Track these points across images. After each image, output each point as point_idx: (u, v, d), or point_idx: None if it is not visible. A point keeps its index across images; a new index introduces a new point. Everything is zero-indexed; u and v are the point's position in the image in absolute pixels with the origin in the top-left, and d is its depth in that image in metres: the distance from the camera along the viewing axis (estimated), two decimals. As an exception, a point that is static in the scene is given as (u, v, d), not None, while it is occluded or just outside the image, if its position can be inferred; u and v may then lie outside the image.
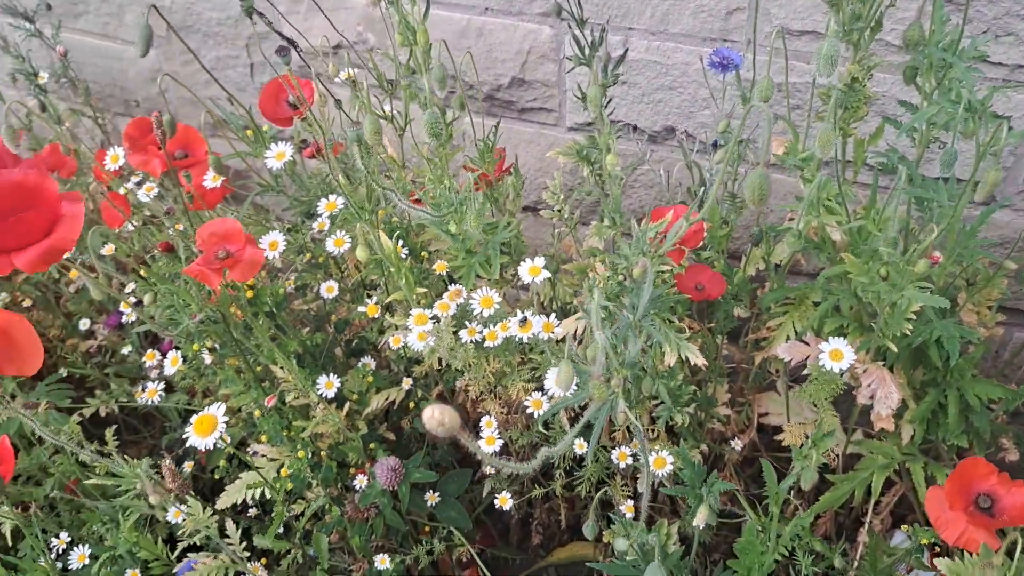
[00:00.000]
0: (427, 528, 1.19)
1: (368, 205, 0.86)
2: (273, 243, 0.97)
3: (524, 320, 0.86)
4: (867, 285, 0.91)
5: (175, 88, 1.76)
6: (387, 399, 1.15)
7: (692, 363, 0.85)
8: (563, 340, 0.93)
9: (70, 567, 1.14)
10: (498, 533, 1.38)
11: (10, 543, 1.16)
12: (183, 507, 0.89)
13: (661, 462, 0.91)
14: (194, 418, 0.81)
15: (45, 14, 1.65)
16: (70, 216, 0.69)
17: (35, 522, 1.11)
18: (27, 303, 1.45)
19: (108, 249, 1.14)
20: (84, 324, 1.45)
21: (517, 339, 0.90)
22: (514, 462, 1.17)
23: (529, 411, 0.95)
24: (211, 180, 0.99)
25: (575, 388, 0.76)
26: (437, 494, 1.14)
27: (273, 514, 1.22)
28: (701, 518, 0.78)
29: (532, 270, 0.87)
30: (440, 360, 0.96)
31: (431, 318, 0.90)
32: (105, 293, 1.00)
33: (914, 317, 0.91)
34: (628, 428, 1.06)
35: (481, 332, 0.91)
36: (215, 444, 0.80)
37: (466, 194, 0.83)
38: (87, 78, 1.78)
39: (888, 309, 0.92)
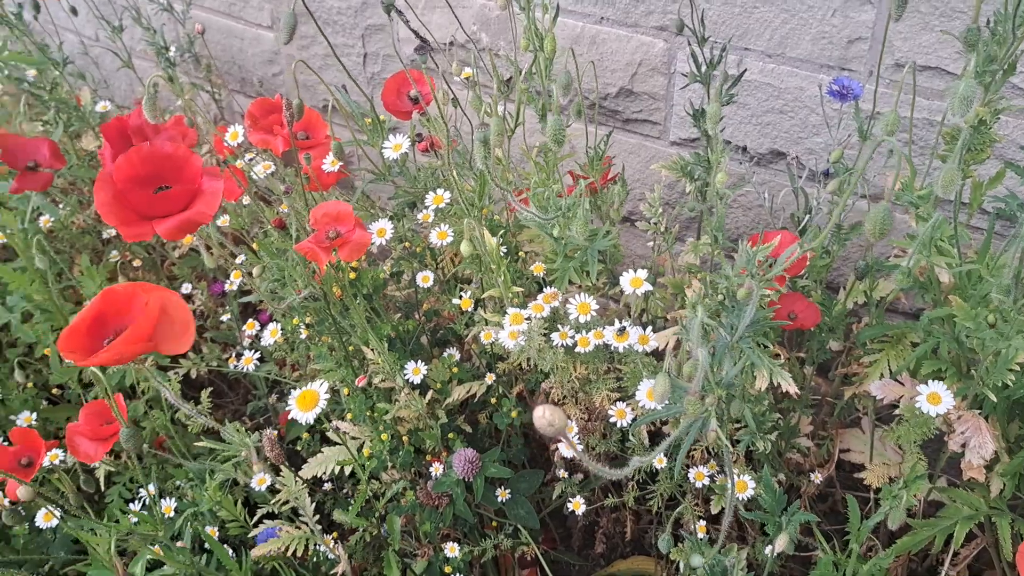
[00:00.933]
0: (494, 523, 1.21)
1: (479, 202, 0.88)
2: (381, 230, 1.00)
3: (623, 330, 0.87)
4: (973, 330, 0.89)
5: (289, 70, 1.82)
6: (468, 392, 1.18)
7: (780, 391, 0.85)
8: (653, 353, 0.94)
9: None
10: (559, 537, 1.39)
11: (102, 487, 1.23)
12: (276, 476, 0.92)
13: (743, 486, 0.90)
14: (296, 392, 0.84)
15: (178, -10, 1.73)
16: (210, 191, 0.73)
17: (139, 470, 1.17)
18: (137, 263, 1.53)
19: (223, 221, 1.20)
20: (185, 288, 1.52)
21: (610, 348, 0.91)
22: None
23: (612, 420, 0.96)
24: (329, 164, 1.03)
25: (666, 402, 0.76)
26: (508, 491, 1.15)
27: (354, 491, 1.26)
28: (781, 544, 0.78)
29: (634, 281, 0.88)
30: (525, 360, 0.97)
31: (525, 318, 0.91)
32: (217, 262, 1.05)
33: (1018, 368, 0.88)
34: (707, 449, 1.05)
35: (573, 337, 0.92)
36: (315, 419, 0.83)
37: (575, 199, 0.85)
38: (208, 55, 1.86)
39: (992, 357, 0.90)
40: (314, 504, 1.13)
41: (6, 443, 1.30)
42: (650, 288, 0.88)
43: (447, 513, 1.16)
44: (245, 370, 1.17)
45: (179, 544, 1.06)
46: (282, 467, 0.89)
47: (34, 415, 1.29)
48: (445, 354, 1.17)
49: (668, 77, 1.33)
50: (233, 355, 1.42)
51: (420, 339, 1.23)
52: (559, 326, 0.94)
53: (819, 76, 1.20)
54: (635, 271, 0.89)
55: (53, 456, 1.05)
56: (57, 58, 1.51)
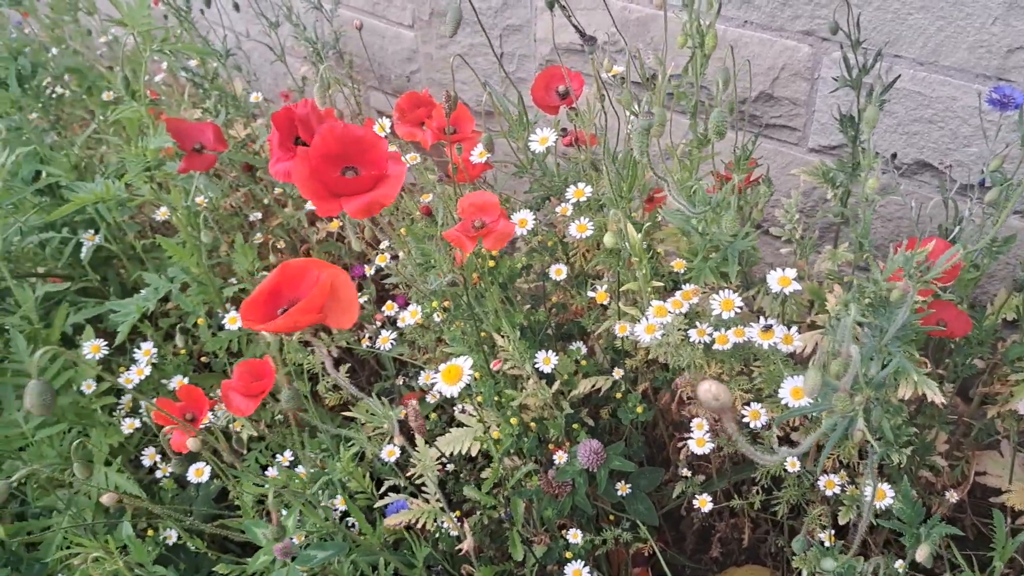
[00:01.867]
0: (611, 517, 1.22)
1: (627, 194, 0.90)
2: (523, 220, 1.04)
3: (768, 327, 0.87)
4: None
5: (426, 68, 1.89)
6: (593, 386, 1.20)
7: (916, 408, 0.83)
8: (790, 356, 0.93)
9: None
10: (671, 540, 1.39)
11: (246, 450, 1.31)
12: (412, 449, 0.97)
13: (882, 494, 0.89)
14: (443, 366, 0.88)
15: (328, -11, 1.82)
16: (394, 176, 0.77)
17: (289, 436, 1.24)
18: (280, 244, 1.62)
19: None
20: (322, 271, 1.60)
21: (746, 347, 0.91)
22: (713, 469, 1.18)
23: (744, 420, 0.96)
24: (477, 156, 1.07)
25: (811, 400, 0.76)
26: (628, 486, 1.17)
27: (471, 473, 1.31)
28: (922, 555, 0.76)
29: (782, 280, 0.88)
30: (662, 355, 0.98)
31: (668, 312, 0.92)
32: (363, 246, 1.11)
33: None
34: (838, 459, 1.04)
35: (711, 334, 0.93)
36: (459, 392, 0.87)
37: (725, 195, 0.86)
38: (350, 51, 1.95)
39: None
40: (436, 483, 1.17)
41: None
42: (798, 288, 0.88)
43: (566, 502, 1.18)
44: (382, 349, 1.23)
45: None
46: (419, 440, 0.94)
47: (185, 379, 1.39)
48: (573, 347, 1.19)
49: (811, 83, 1.32)
50: (365, 336, 1.49)
51: (547, 331, 1.26)
52: (697, 323, 0.95)
53: (974, 86, 1.16)
54: (782, 270, 0.89)
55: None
56: (220, 50, 1.62)
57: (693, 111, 1.08)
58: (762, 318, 0.90)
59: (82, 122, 1.98)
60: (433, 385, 1.26)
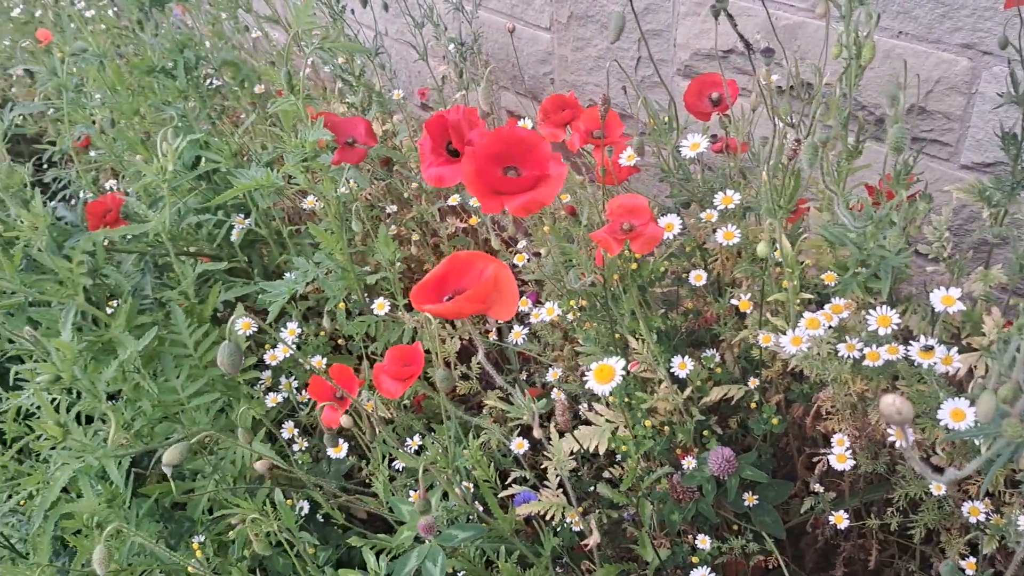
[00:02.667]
0: (735, 527, 1.22)
1: (787, 204, 0.90)
2: (670, 225, 1.05)
3: (929, 347, 0.86)
4: None
5: (560, 70, 1.92)
6: (724, 394, 1.20)
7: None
8: (945, 376, 0.91)
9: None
10: (791, 556, 1.38)
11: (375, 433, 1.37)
12: (547, 443, 1.00)
13: (1038, 526, 0.86)
14: (595, 365, 0.91)
15: (471, -9, 1.88)
16: (555, 176, 0.81)
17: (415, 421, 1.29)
18: (415, 237, 1.68)
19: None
20: (453, 265, 1.66)
21: (895, 365, 0.90)
22: (846, 487, 1.16)
23: (891, 440, 0.94)
24: (626, 159, 1.09)
25: (973, 424, 0.75)
26: (756, 496, 1.16)
27: (590, 471, 1.33)
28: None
29: (946, 299, 0.86)
30: (809, 368, 0.98)
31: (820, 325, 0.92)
32: (500, 244, 1.15)
33: None
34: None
35: (861, 350, 0.92)
36: (610, 390, 0.89)
37: (889, 210, 0.85)
38: (486, 52, 2.00)
39: None
40: (557, 478, 1.20)
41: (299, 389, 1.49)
42: (961, 307, 0.86)
43: (691, 508, 1.19)
44: (513, 343, 1.26)
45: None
46: (555, 434, 0.96)
47: (324, 360, 1.46)
48: (707, 353, 1.19)
49: (967, 97, 1.27)
50: (493, 330, 1.53)
51: (681, 336, 1.26)
52: (846, 338, 0.94)
53: None
54: (945, 289, 0.88)
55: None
56: (370, 48, 1.69)
57: (844, 123, 1.07)
58: (923, 337, 0.88)
59: (233, 112, 2.10)
60: (559, 381, 1.29)
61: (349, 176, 1.44)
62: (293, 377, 1.52)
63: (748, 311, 1.11)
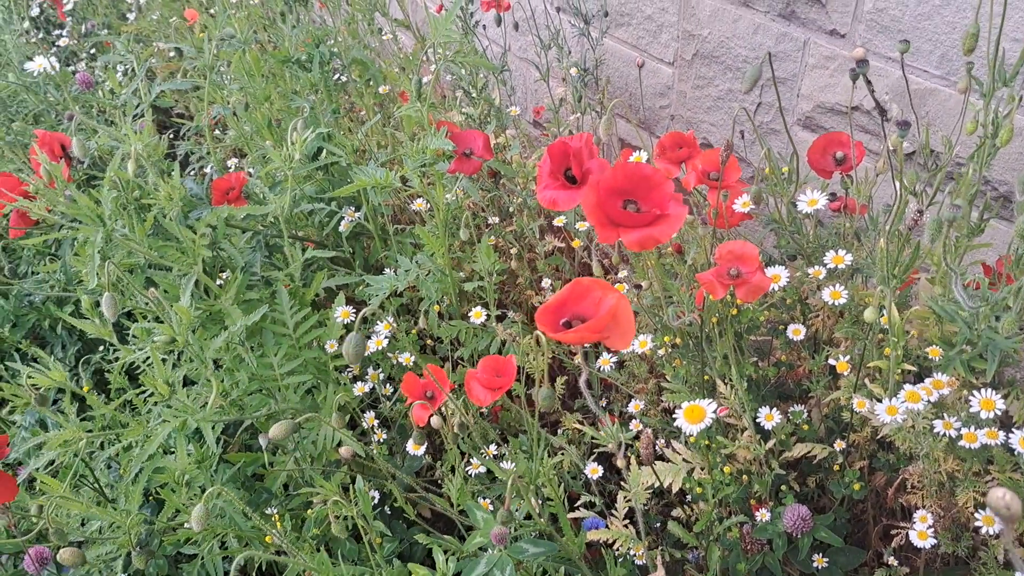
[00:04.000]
0: (799, 586, 1.20)
1: (901, 274, 0.90)
2: (776, 276, 1.05)
3: (1037, 437, 0.84)
4: None
5: (677, 105, 1.93)
6: (808, 452, 1.18)
7: None
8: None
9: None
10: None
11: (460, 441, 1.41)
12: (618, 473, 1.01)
13: None
14: (686, 404, 0.92)
15: (598, 18, 1.91)
16: (674, 216, 0.82)
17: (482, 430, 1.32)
18: (513, 251, 1.71)
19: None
20: (546, 283, 1.68)
21: (990, 449, 0.88)
22: (921, 564, 1.13)
23: (978, 525, 0.92)
24: (741, 205, 1.10)
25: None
26: (826, 559, 1.15)
27: (658, 510, 1.33)
28: None
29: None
30: (901, 440, 0.96)
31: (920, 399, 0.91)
32: (601, 271, 1.17)
33: None
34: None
35: (958, 430, 0.91)
36: (698, 431, 0.90)
37: (1007, 294, 0.83)
38: (604, 78, 2.03)
39: None
40: (626, 508, 1.21)
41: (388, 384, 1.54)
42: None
43: (758, 560, 1.18)
44: (601, 370, 1.28)
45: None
46: (634, 466, 0.98)
47: (412, 358, 1.51)
48: (795, 408, 1.19)
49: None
50: (579, 353, 1.55)
51: (770, 387, 1.26)
52: (944, 415, 0.93)
53: None
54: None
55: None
56: (496, 65, 1.74)
57: (971, 199, 1.05)
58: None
59: (355, 109, 2.18)
60: (640, 413, 1.30)
61: (461, 185, 1.48)
62: (380, 370, 1.57)
63: (844, 373, 1.10)
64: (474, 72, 1.87)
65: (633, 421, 1.33)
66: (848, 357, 1.09)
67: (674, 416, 0.94)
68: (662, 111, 1.98)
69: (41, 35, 3.25)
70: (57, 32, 3.28)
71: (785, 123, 1.21)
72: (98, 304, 1.40)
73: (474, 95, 1.81)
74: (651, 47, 1.93)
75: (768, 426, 1.11)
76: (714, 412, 0.89)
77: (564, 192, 1.07)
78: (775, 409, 1.12)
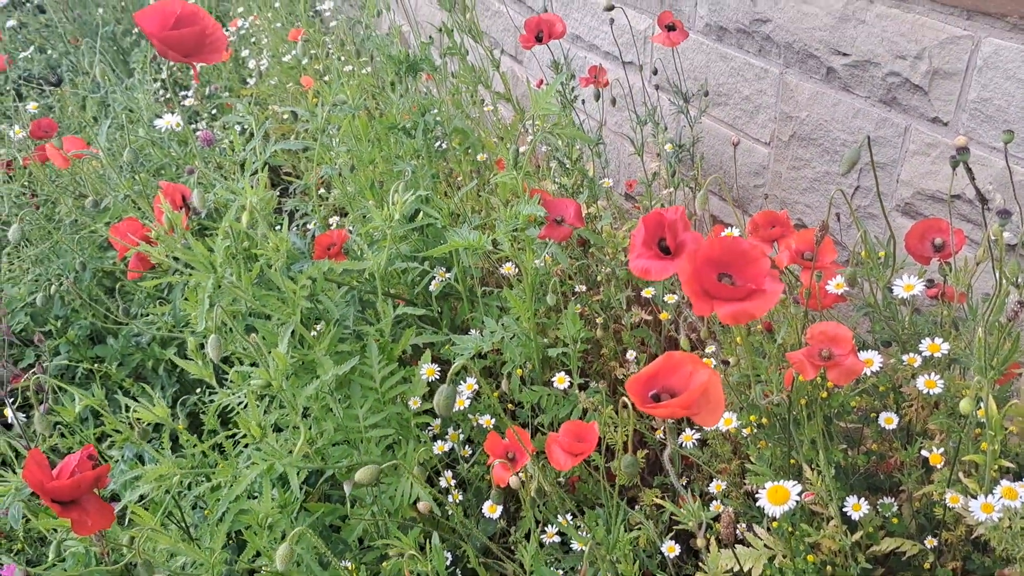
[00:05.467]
0: None
1: (999, 366, 0.87)
2: (869, 361, 1.03)
3: None
4: None
5: (771, 185, 1.93)
6: (897, 547, 1.13)
7: None
8: None
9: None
10: None
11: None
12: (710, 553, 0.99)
13: None
14: (769, 485, 0.90)
15: (697, 97, 1.94)
16: (770, 292, 0.83)
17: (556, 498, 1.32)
18: (599, 320, 1.73)
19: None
20: (631, 355, 1.68)
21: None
22: None
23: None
24: (835, 286, 1.09)
25: None
26: (915, 665, 1.08)
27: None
28: None
29: None
30: (999, 540, 0.92)
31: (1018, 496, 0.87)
32: (691, 345, 1.16)
33: None
34: None
35: (1064, 534, 0.86)
36: (781, 513, 0.88)
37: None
38: (700, 155, 2.05)
39: None
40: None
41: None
42: None
43: (839, 659, 1.12)
44: (684, 446, 1.27)
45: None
46: (714, 546, 0.96)
47: (492, 420, 1.52)
48: (884, 501, 1.14)
49: None
50: (661, 428, 1.54)
51: (859, 476, 1.22)
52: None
53: None
54: None
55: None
56: (593, 138, 1.79)
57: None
58: None
59: (453, 175, 2.26)
60: (721, 494, 1.27)
61: (551, 251, 1.51)
62: (460, 430, 1.59)
63: (938, 466, 1.05)
64: (570, 144, 1.92)
65: (714, 502, 1.31)
66: (942, 450, 1.05)
67: (757, 497, 0.92)
68: (756, 190, 1.98)
69: (168, 95, 3.51)
70: (183, 93, 3.53)
71: (883, 208, 1.20)
72: (202, 346, 1.47)
73: (568, 166, 1.86)
74: (747, 127, 1.95)
75: (855, 516, 1.07)
76: (799, 495, 0.87)
77: (657, 262, 1.08)
78: (863, 499, 1.08)
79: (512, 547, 1.42)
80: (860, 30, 1.56)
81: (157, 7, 1.33)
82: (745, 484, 1.33)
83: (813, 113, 1.73)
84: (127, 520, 1.39)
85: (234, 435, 1.52)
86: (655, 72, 2.06)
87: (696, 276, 0.85)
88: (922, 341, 1.06)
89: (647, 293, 1.58)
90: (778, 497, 0.88)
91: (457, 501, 1.47)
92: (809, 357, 1.00)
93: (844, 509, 1.09)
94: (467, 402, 1.48)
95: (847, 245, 1.75)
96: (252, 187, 1.40)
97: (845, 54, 1.60)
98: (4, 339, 1.73)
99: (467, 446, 1.59)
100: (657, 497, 1.33)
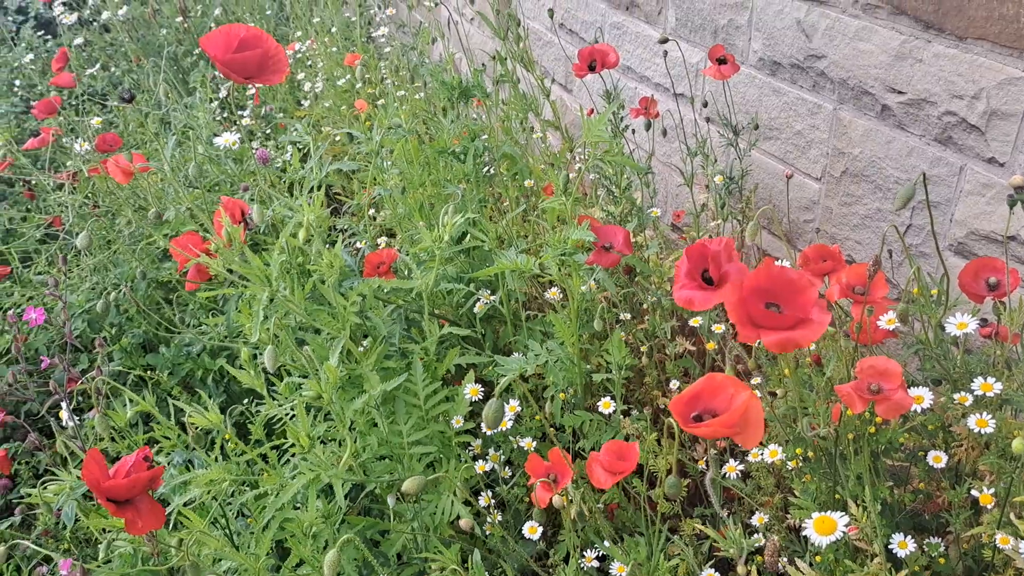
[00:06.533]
0: None
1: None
2: (919, 398, 1.03)
3: None
4: None
5: (821, 220, 1.93)
6: (944, 589, 1.12)
7: None
8: None
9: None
10: None
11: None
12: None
13: None
14: (816, 515, 0.90)
15: (747, 130, 1.95)
16: (818, 322, 0.84)
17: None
18: (643, 348, 1.73)
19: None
20: (674, 385, 1.68)
21: None
22: None
23: None
24: (887, 322, 1.08)
25: None
26: None
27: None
28: None
29: None
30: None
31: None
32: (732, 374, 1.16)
33: None
34: None
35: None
36: (827, 543, 0.88)
37: None
38: (748, 188, 2.05)
39: None
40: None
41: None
42: None
43: None
44: (728, 477, 1.26)
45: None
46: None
47: (534, 443, 1.53)
48: (931, 540, 1.13)
49: None
50: (702, 459, 1.53)
51: (905, 514, 1.20)
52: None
53: None
54: None
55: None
56: (643, 167, 1.81)
57: None
58: None
59: (500, 200, 2.30)
60: (763, 527, 1.26)
61: (598, 277, 1.53)
62: (501, 451, 1.61)
63: (988, 506, 1.04)
64: (619, 172, 1.94)
65: (755, 535, 1.30)
66: (992, 490, 1.03)
67: (802, 527, 0.92)
68: (806, 224, 1.97)
69: (225, 114, 3.62)
70: (240, 112, 3.64)
71: (937, 246, 1.19)
72: (255, 357, 1.51)
73: (617, 194, 1.87)
74: (798, 161, 1.95)
75: (901, 554, 1.06)
76: (846, 526, 0.86)
77: (700, 293, 1.09)
78: (909, 537, 1.07)
79: (550, 569, 1.42)
80: (917, 69, 1.56)
81: (222, 31, 1.39)
82: (788, 519, 1.32)
83: (866, 150, 1.73)
84: (171, 524, 1.42)
85: (278, 446, 1.55)
86: (705, 104, 2.07)
87: (742, 304, 0.86)
88: (974, 380, 1.05)
89: (694, 322, 1.58)
90: (825, 527, 0.88)
91: (496, 521, 1.48)
92: (858, 390, 0.99)
93: (890, 546, 1.08)
94: (509, 423, 1.49)
95: (897, 283, 1.74)
96: (309, 204, 1.44)
97: (901, 92, 1.60)
98: (67, 342, 1.79)
99: (507, 467, 1.60)
100: (698, 526, 1.32)
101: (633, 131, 1.98)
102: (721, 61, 1.79)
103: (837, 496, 1.17)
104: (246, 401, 1.97)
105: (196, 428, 1.27)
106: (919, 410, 1.02)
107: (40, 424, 2.12)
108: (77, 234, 2.32)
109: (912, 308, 1.10)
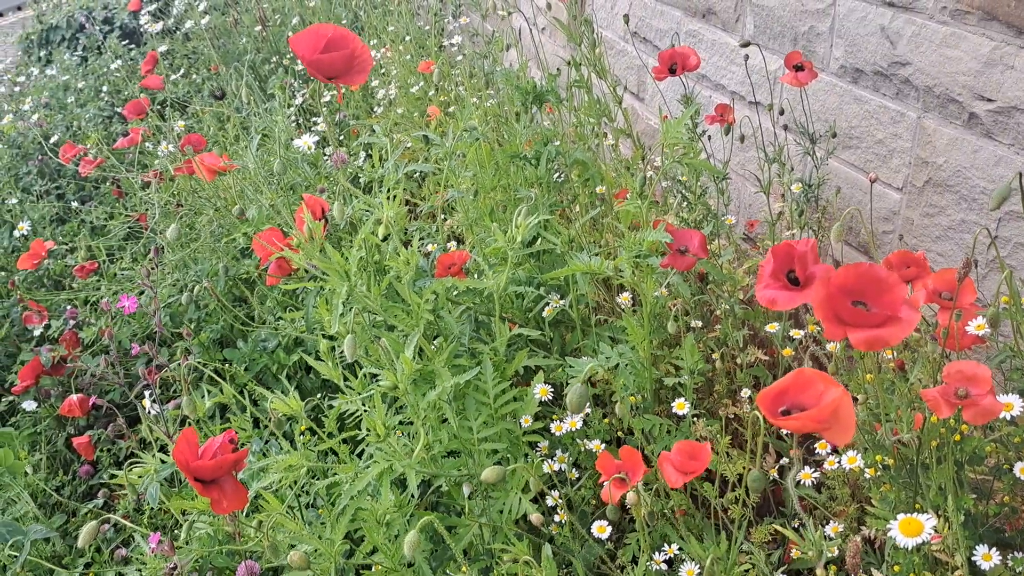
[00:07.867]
0: None
1: None
2: (1009, 405, 1.00)
3: None
4: None
5: (901, 231, 1.89)
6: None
7: None
8: None
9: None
10: None
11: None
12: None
13: None
14: (902, 516, 0.88)
15: (825, 139, 1.93)
16: (906, 320, 0.82)
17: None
18: (715, 356, 1.72)
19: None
20: (744, 393, 1.66)
21: None
22: None
23: None
24: (975, 327, 1.06)
25: None
26: None
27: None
28: None
29: None
30: None
31: None
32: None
33: None
34: None
35: None
36: (913, 545, 0.86)
37: None
38: (825, 198, 2.02)
39: None
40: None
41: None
42: None
43: None
44: (802, 483, 1.24)
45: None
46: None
47: (602, 445, 1.53)
48: (1016, 555, 1.09)
49: None
50: (775, 467, 1.51)
51: (990, 527, 1.17)
52: None
53: None
54: None
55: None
56: (720, 171, 1.80)
57: None
58: None
59: (571, 205, 2.31)
60: (839, 536, 1.24)
61: (672, 280, 1.53)
62: (568, 453, 1.61)
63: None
64: (694, 177, 1.93)
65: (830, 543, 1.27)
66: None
67: (888, 528, 0.90)
68: (885, 236, 1.93)
69: (300, 120, 3.72)
70: (314, 119, 3.73)
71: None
72: (333, 349, 1.55)
73: (691, 200, 1.87)
74: (879, 171, 1.91)
75: (985, 566, 1.03)
76: (932, 528, 0.84)
77: (784, 293, 1.08)
78: (994, 550, 1.04)
79: (620, 569, 1.42)
80: (1007, 76, 1.52)
81: (310, 31, 1.43)
82: (862, 530, 1.29)
83: (951, 159, 1.69)
84: (247, 511, 1.46)
85: (350, 439, 1.58)
86: (782, 112, 2.05)
87: (829, 301, 0.85)
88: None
89: (771, 327, 1.56)
90: (911, 529, 0.86)
91: (564, 520, 1.48)
92: (944, 395, 0.97)
93: (973, 558, 1.05)
94: (579, 423, 1.50)
95: (982, 295, 1.69)
96: (389, 202, 1.47)
97: (989, 100, 1.56)
98: (155, 331, 1.86)
99: (574, 468, 1.60)
100: (770, 535, 1.30)
101: (709, 137, 1.97)
102: (798, 68, 1.78)
103: (917, 506, 1.14)
104: (319, 396, 2.02)
105: (278, 414, 1.31)
106: (1008, 417, 0.99)
107: (122, 413, 2.21)
108: (162, 231, 2.42)
109: (1004, 314, 1.08)
